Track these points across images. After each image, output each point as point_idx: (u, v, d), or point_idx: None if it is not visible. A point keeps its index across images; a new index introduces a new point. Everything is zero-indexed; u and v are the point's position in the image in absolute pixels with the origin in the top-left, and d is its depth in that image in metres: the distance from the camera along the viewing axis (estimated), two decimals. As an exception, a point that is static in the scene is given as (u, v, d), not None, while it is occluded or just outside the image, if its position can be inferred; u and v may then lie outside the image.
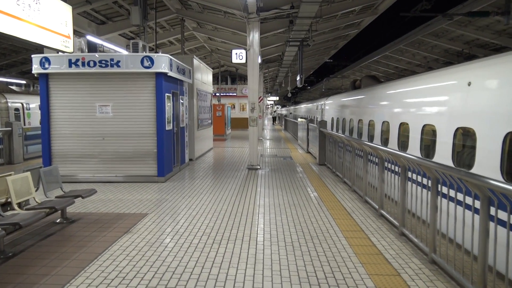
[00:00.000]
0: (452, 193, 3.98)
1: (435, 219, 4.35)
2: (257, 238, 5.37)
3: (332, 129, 17.76)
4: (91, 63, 9.16)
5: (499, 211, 3.23)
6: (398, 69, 28.82)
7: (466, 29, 17.14)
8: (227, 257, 4.68)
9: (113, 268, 4.33)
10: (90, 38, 11.85)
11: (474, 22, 16.38)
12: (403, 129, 9.03)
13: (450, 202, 4.05)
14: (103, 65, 9.17)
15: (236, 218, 6.36)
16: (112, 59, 9.20)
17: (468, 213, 3.67)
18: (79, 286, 3.89)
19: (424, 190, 4.75)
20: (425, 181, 4.71)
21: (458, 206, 3.90)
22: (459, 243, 3.92)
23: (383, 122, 10.40)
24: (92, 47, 11.65)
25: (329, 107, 20.55)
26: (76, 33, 12.66)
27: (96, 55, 9.28)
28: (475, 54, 19.04)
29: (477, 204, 3.47)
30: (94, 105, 9.43)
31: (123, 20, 15.12)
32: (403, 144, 8.97)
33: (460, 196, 3.87)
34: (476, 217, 3.49)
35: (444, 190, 4.18)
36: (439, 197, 4.35)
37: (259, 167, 11.82)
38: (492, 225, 3.31)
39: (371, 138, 11.51)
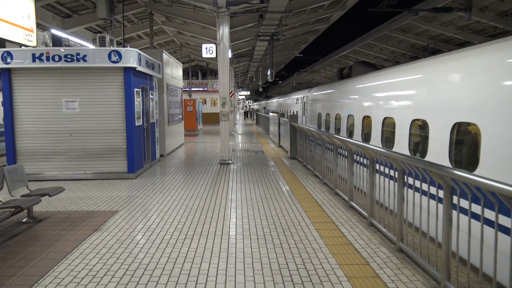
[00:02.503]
0: (417, 183, 4.11)
1: (402, 209, 4.49)
2: (229, 232, 5.39)
3: (320, 128, 14.99)
4: (56, 58, 8.89)
5: (461, 200, 3.36)
6: (367, 64, 29.36)
7: (431, 25, 17.62)
8: (200, 252, 4.67)
9: (83, 267, 4.25)
10: (54, 31, 11.50)
11: (439, 18, 16.86)
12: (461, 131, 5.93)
13: (415, 192, 4.18)
14: (69, 60, 8.92)
15: (208, 213, 6.36)
16: (78, 54, 8.96)
17: (433, 203, 3.81)
18: (47, 286, 3.80)
19: (392, 182, 4.88)
20: (392, 172, 4.85)
21: (423, 196, 4.03)
22: (425, 232, 4.06)
23: (413, 121, 7.27)
24: (57, 41, 11.32)
25: (314, 100, 17.51)
26: (40, 26, 12.25)
27: (61, 49, 9.01)
28: (440, 49, 19.62)
29: (441, 193, 3.60)
30: (60, 101, 9.17)
31: (89, 14, 14.71)
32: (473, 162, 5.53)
33: (425, 187, 4.00)
34: (440, 206, 3.62)
35: (410, 181, 4.32)
36: (405, 187, 4.48)
37: (231, 161, 11.82)
38: (454, 213, 3.44)
39: (386, 142, 8.50)
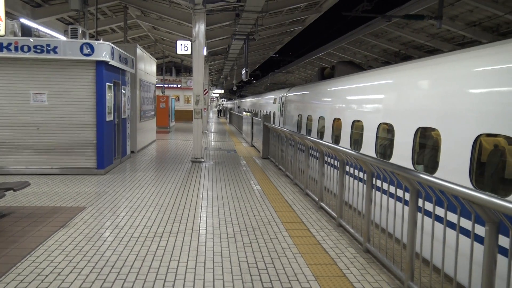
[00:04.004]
0: (385, 186, 4.22)
1: (370, 211, 4.59)
2: (199, 230, 5.37)
3: (299, 130, 13.90)
4: (25, 48, 8.61)
5: (426, 203, 3.47)
6: (340, 67, 29.73)
7: (403, 31, 18.08)
8: (169, 250, 4.64)
9: (48, 264, 4.15)
10: (24, 21, 11.11)
11: (411, 25, 17.31)
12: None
13: (383, 195, 4.29)
14: (39, 51, 8.66)
15: (179, 211, 6.32)
16: (48, 45, 8.71)
17: (399, 205, 3.92)
18: (9, 283, 3.69)
19: (360, 184, 4.99)
20: (361, 175, 4.95)
21: (390, 198, 4.14)
22: (391, 233, 4.17)
23: (419, 130, 6.23)
24: (26, 31, 10.95)
25: (294, 101, 15.95)
26: (8, 15, 11.82)
27: (31, 40, 8.74)
28: (411, 55, 20.15)
29: (407, 196, 3.71)
30: (28, 93, 8.89)
31: (61, 4, 14.31)
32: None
33: (392, 189, 4.11)
34: (406, 208, 3.74)
35: (378, 183, 4.42)
36: (373, 190, 4.59)
37: (203, 160, 11.77)
38: (419, 215, 3.55)
39: (382, 152, 7.54)
